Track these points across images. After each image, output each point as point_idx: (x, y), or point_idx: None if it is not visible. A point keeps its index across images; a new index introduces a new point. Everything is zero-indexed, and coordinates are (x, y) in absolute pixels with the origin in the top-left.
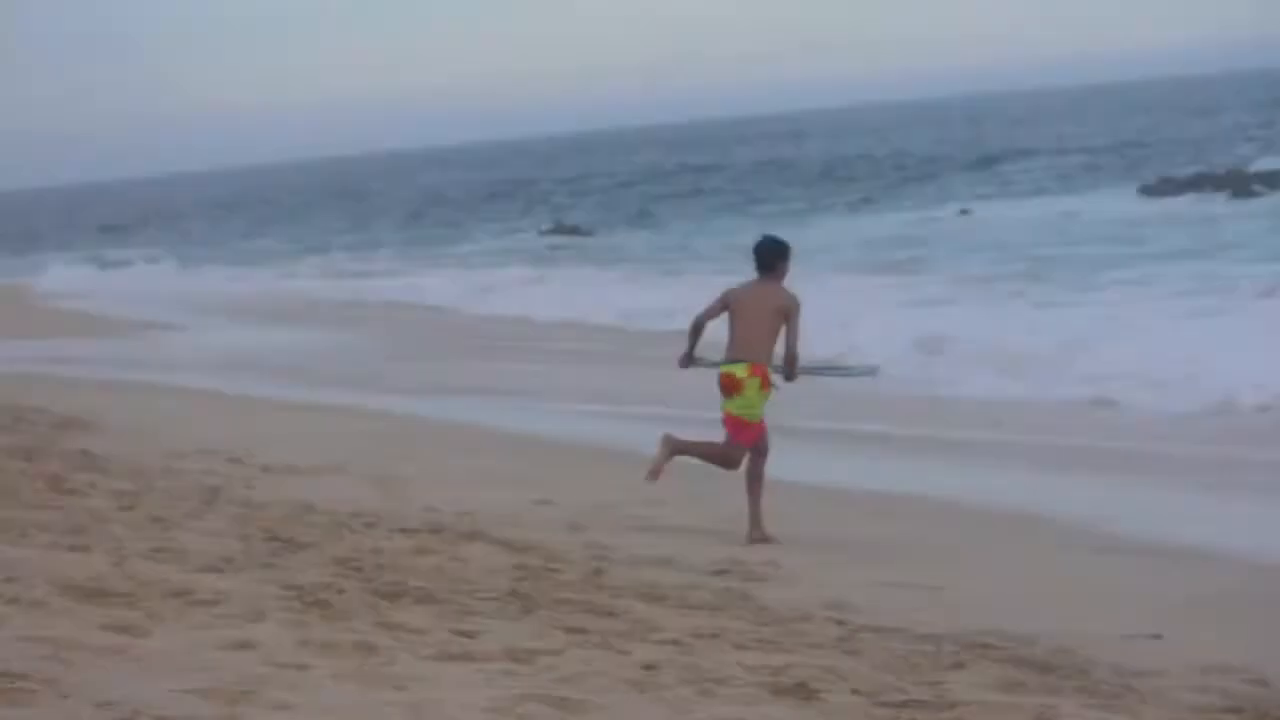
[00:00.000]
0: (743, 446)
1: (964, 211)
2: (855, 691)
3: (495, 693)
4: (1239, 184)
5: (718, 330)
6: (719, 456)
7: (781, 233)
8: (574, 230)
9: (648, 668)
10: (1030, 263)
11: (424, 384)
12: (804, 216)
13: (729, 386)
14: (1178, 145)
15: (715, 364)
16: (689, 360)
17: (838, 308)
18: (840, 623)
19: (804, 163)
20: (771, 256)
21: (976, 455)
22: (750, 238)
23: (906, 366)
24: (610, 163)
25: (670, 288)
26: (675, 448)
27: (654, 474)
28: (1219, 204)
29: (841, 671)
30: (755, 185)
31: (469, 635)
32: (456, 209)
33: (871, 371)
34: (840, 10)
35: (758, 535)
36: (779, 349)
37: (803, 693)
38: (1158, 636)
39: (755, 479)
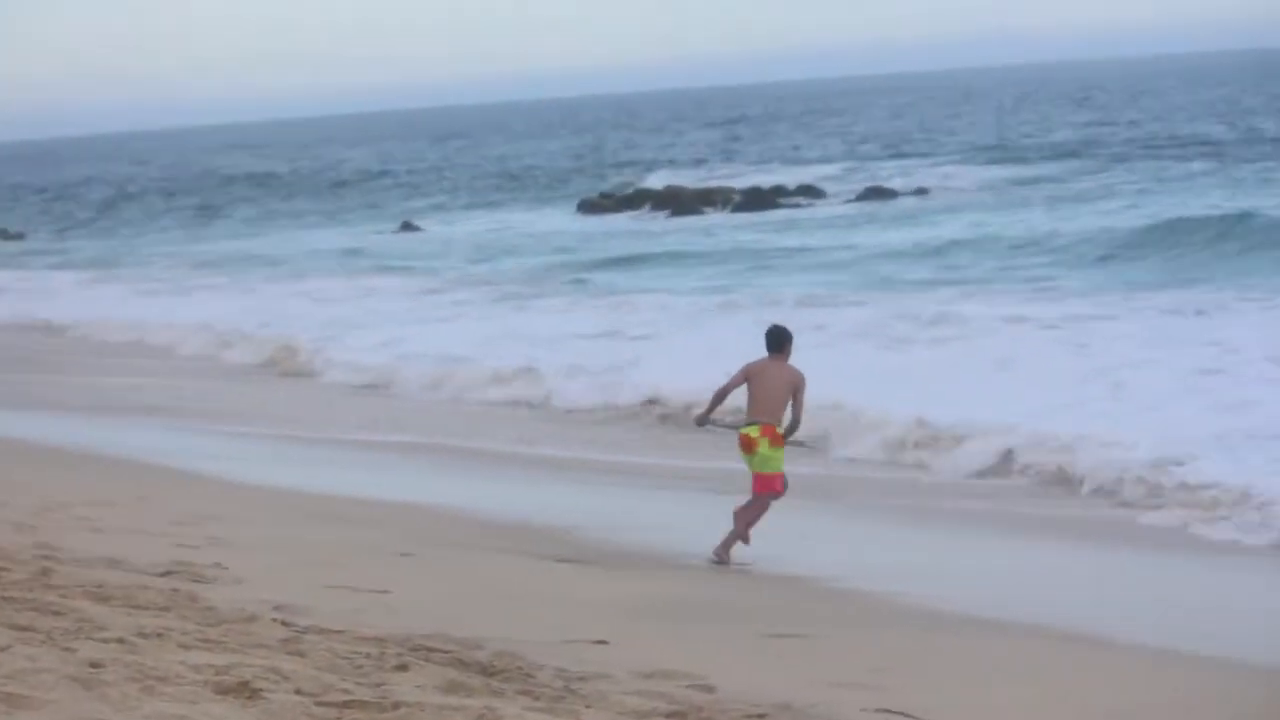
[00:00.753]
0: (774, 494)
1: (407, 225)
2: (298, 691)
3: None
4: (681, 203)
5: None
6: (757, 512)
7: (227, 243)
8: (8, 235)
9: (93, 665)
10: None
11: None
12: (250, 226)
13: (746, 445)
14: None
15: (731, 426)
16: (705, 420)
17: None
18: (286, 624)
19: (252, 177)
20: (782, 340)
21: (464, 462)
22: (193, 243)
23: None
24: (53, 172)
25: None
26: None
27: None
28: (659, 221)
29: (285, 671)
30: (207, 194)
31: None
32: None
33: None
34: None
35: (723, 555)
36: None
37: (245, 691)
38: (603, 642)
39: (752, 511)
